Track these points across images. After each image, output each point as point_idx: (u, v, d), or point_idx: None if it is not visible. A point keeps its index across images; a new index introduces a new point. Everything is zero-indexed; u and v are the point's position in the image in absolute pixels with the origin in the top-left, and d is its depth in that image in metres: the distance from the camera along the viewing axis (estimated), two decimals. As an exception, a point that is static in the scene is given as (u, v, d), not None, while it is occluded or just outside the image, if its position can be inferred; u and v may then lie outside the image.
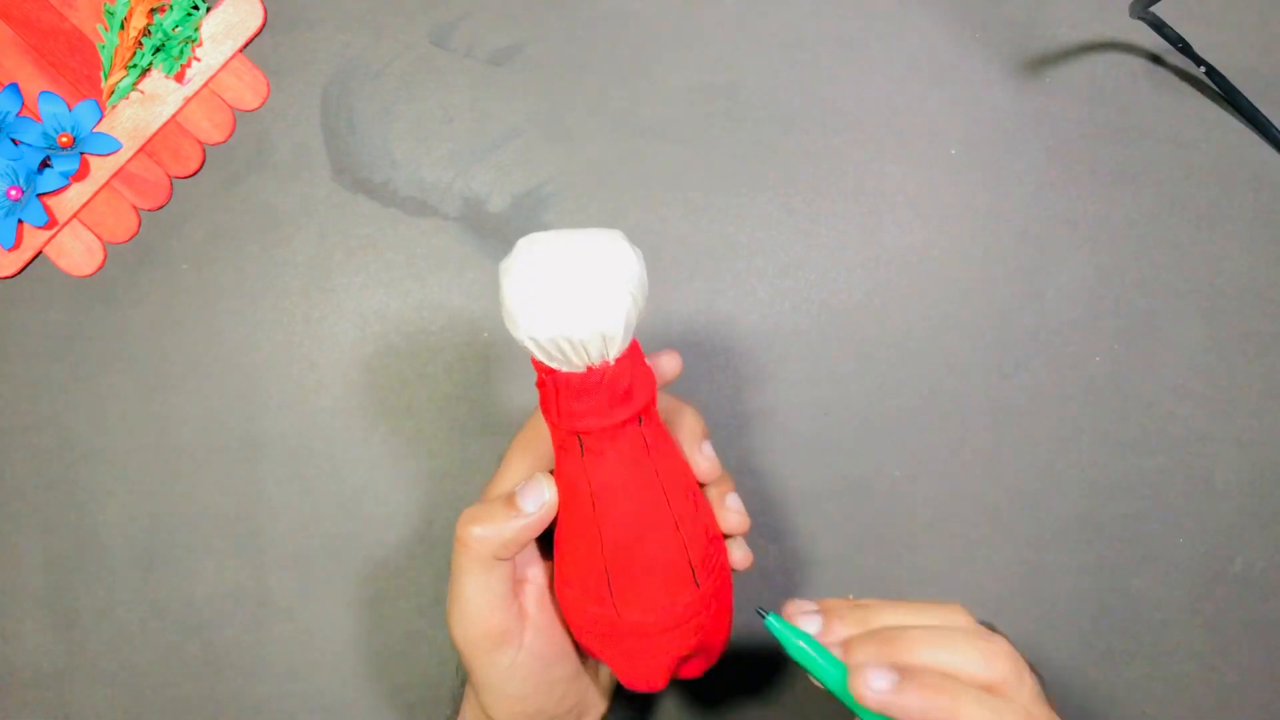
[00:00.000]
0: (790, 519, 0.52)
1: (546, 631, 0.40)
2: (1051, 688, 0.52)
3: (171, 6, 0.52)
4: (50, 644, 0.53)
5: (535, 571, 0.41)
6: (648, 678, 0.41)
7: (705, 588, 0.39)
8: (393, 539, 0.53)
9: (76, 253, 0.53)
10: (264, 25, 0.53)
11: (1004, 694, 0.35)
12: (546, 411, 0.37)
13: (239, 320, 0.53)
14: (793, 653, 0.37)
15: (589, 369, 0.35)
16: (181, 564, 0.53)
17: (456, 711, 0.44)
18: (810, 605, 0.39)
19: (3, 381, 0.53)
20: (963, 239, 0.53)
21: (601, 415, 0.36)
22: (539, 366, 0.36)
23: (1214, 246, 0.53)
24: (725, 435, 0.52)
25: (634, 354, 0.36)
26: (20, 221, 0.52)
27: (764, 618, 0.38)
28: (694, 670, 0.43)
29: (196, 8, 0.52)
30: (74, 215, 0.53)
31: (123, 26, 0.52)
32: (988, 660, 0.35)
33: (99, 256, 0.53)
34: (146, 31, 0.52)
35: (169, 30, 0.52)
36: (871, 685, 0.35)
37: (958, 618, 0.38)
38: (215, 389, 0.53)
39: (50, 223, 0.52)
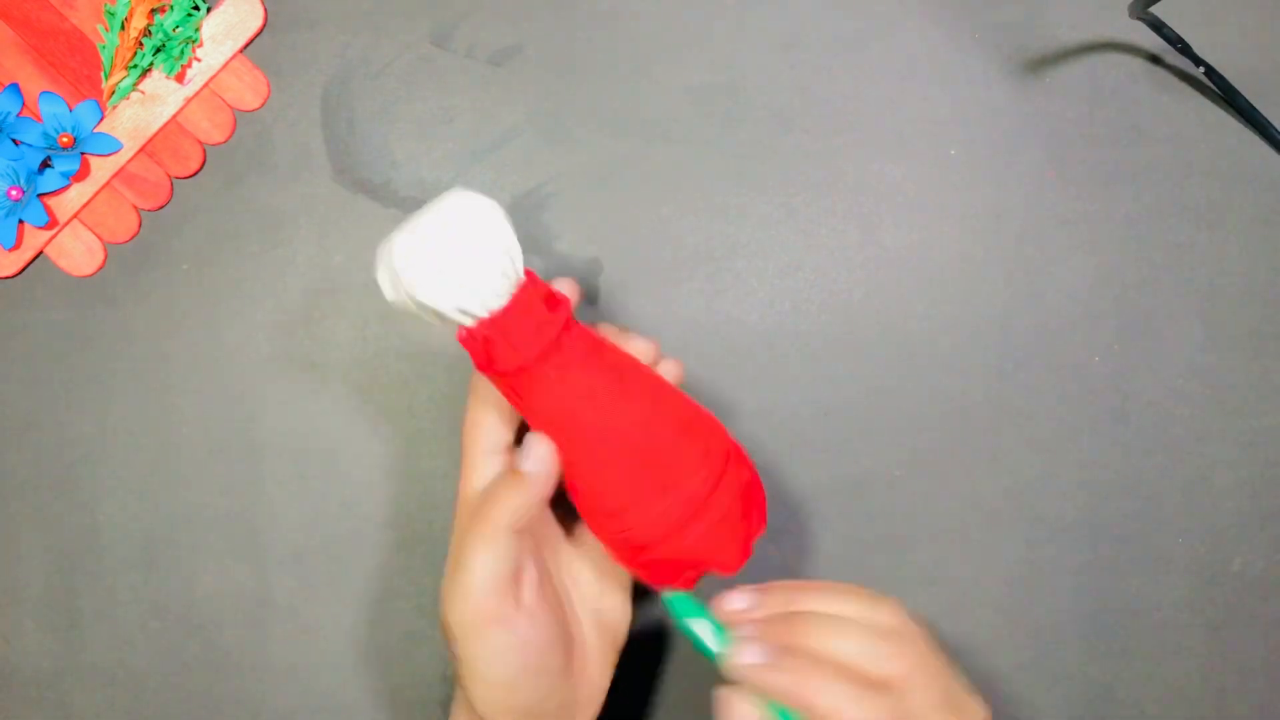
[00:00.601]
0: (790, 519, 0.52)
1: (540, 620, 0.40)
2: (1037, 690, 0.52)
3: (172, 7, 0.52)
4: (50, 644, 0.53)
5: (536, 556, 0.41)
6: (728, 555, 0.40)
7: (710, 443, 0.40)
8: (393, 539, 0.53)
9: (77, 253, 0.53)
10: (264, 25, 0.53)
11: (893, 691, 0.35)
12: (485, 368, 0.38)
13: (239, 320, 0.53)
14: (684, 630, 0.39)
15: (481, 323, 0.37)
16: (181, 564, 0.53)
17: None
18: (746, 597, 0.39)
19: (3, 381, 0.53)
20: (963, 239, 0.53)
21: (533, 338, 0.37)
22: (460, 336, 0.38)
23: (1214, 246, 0.53)
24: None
25: (524, 297, 0.38)
26: (21, 221, 0.52)
27: (664, 598, 0.39)
28: (759, 525, 0.42)
29: (197, 8, 0.52)
30: (74, 215, 0.53)
31: (123, 27, 0.52)
32: (883, 658, 0.36)
33: (99, 256, 0.53)
34: (147, 32, 0.52)
35: (169, 30, 0.52)
36: (743, 658, 0.36)
37: (881, 612, 0.38)
38: (215, 389, 0.53)
39: (51, 223, 0.52)
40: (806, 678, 0.35)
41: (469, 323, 0.37)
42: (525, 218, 0.53)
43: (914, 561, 0.52)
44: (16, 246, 0.52)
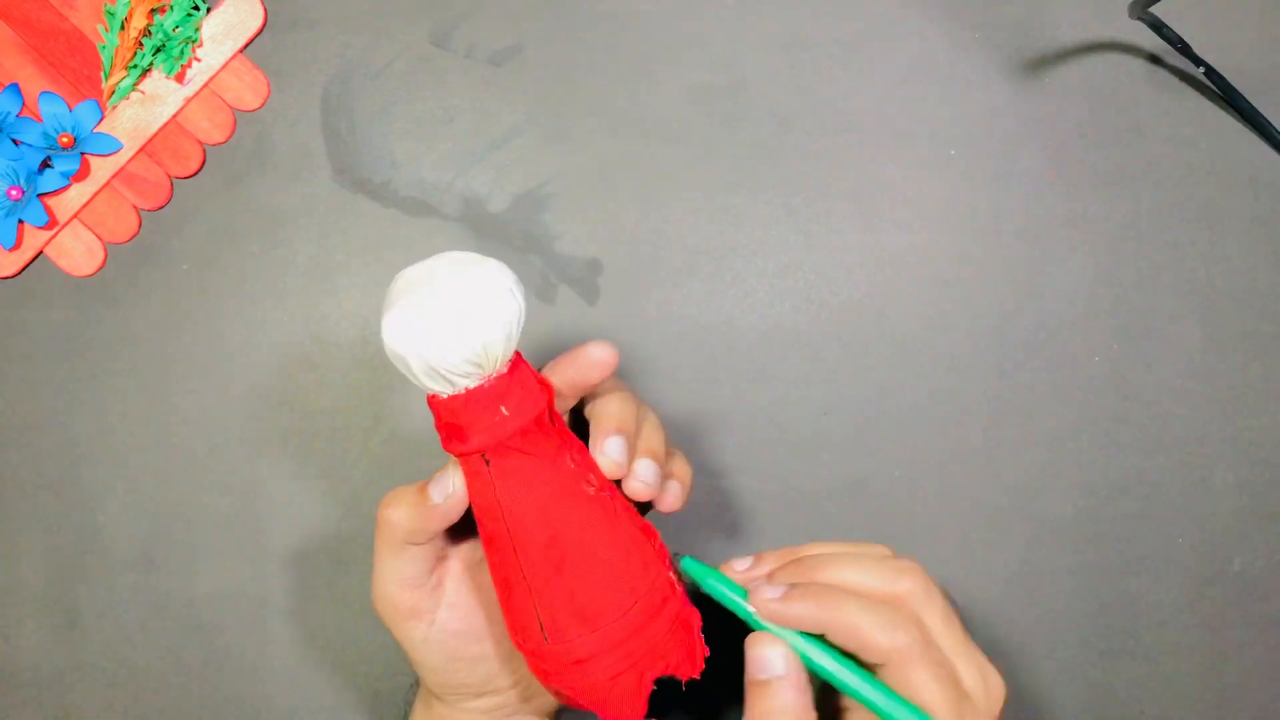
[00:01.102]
0: (790, 519, 0.52)
1: (461, 610, 0.41)
2: (1049, 681, 0.52)
3: (172, 7, 0.52)
4: (50, 644, 0.53)
5: (456, 550, 0.42)
6: (620, 710, 0.38)
7: (646, 590, 0.37)
8: (393, 539, 0.53)
9: (77, 253, 0.53)
10: (264, 25, 0.53)
11: (903, 605, 0.37)
12: (458, 438, 0.36)
13: (239, 320, 0.53)
14: (709, 590, 0.39)
15: (469, 391, 0.36)
16: (181, 564, 0.53)
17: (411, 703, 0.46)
18: (748, 558, 0.40)
19: (3, 381, 0.53)
20: (962, 239, 0.53)
21: (488, 432, 0.36)
22: (429, 399, 0.37)
23: (1213, 247, 0.53)
24: (724, 435, 0.52)
25: (513, 372, 0.36)
26: (21, 221, 0.52)
27: (683, 560, 0.39)
28: (688, 669, 0.39)
29: (197, 8, 0.52)
30: (74, 215, 0.53)
31: (123, 27, 0.52)
32: (891, 577, 0.37)
33: (99, 256, 0.53)
34: (147, 32, 0.52)
35: (169, 31, 0.52)
36: (764, 595, 0.37)
37: (875, 546, 0.40)
38: (215, 389, 0.53)
39: (51, 223, 0.52)
40: (823, 598, 0.36)
41: (453, 390, 0.36)
42: (525, 218, 0.53)
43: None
44: (16, 246, 0.52)
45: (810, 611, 0.36)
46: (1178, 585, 0.53)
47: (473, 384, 0.36)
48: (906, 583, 0.37)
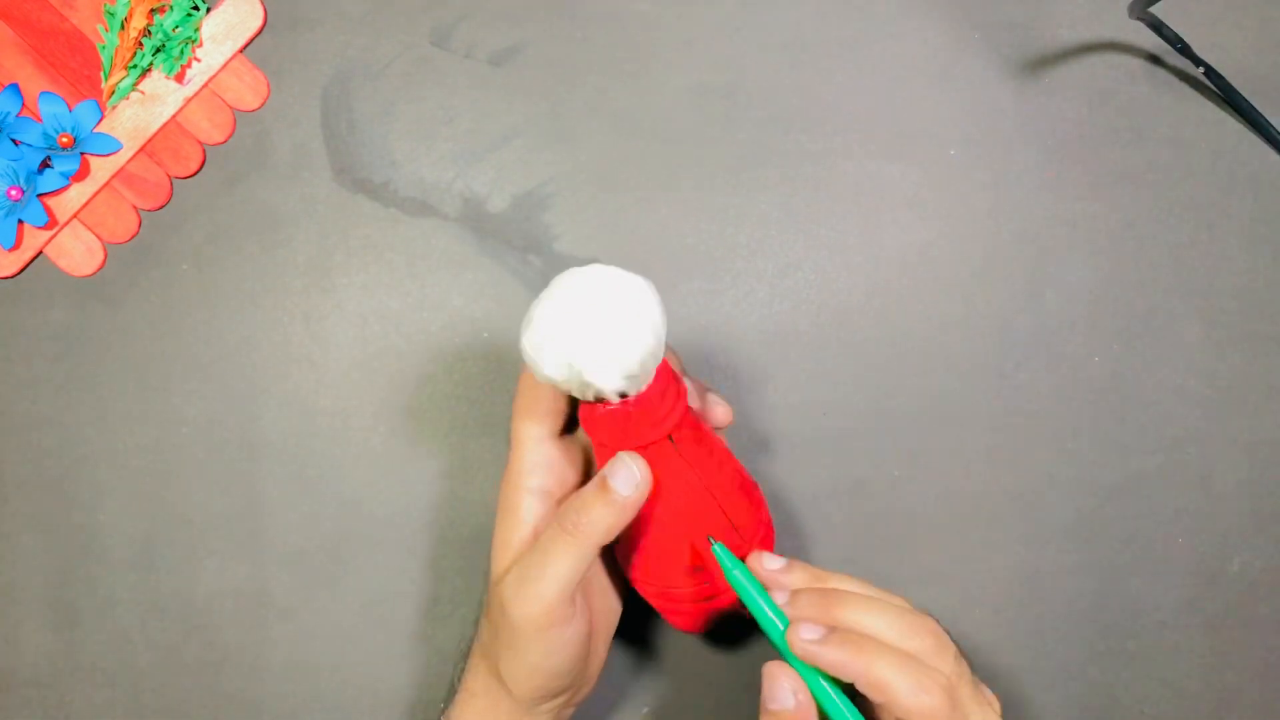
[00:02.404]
0: (790, 519, 0.52)
1: (584, 618, 0.42)
2: (1031, 684, 0.52)
3: (172, 7, 0.52)
4: (50, 644, 0.53)
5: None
6: (689, 626, 0.46)
7: (756, 527, 0.43)
8: (393, 539, 0.53)
9: (77, 253, 0.53)
10: (264, 26, 0.53)
11: (926, 664, 0.38)
12: (598, 443, 0.41)
13: (239, 320, 0.53)
14: (733, 584, 0.41)
15: (622, 402, 0.39)
16: (181, 564, 0.53)
17: (452, 694, 0.45)
18: (778, 559, 0.43)
19: (3, 381, 0.53)
20: (962, 239, 0.53)
21: (633, 438, 0.40)
22: (592, 410, 0.40)
23: (1213, 247, 0.53)
24: (725, 435, 0.52)
25: (661, 383, 0.40)
26: (20, 221, 0.52)
27: (712, 544, 0.42)
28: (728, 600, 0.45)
29: (197, 8, 0.52)
30: (74, 215, 0.53)
31: (123, 27, 0.52)
32: (911, 632, 0.39)
33: (99, 256, 0.53)
34: (147, 32, 0.52)
35: (169, 31, 0.52)
36: (802, 635, 0.39)
37: (896, 598, 0.42)
38: (215, 389, 0.53)
39: (50, 223, 0.52)
40: (860, 651, 0.38)
41: (616, 398, 0.39)
42: (525, 218, 0.53)
43: (914, 561, 0.52)
44: (16, 246, 0.52)
45: (845, 660, 0.38)
46: (1178, 585, 0.53)
47: (627, 395, 0.39)
48: (923, 641, 0.39)
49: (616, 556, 0.45)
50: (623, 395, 0.39)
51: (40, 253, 0.53)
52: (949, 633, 0.41)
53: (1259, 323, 0.53)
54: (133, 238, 0.53)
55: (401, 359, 0.53)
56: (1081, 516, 0.53)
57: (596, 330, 0.37)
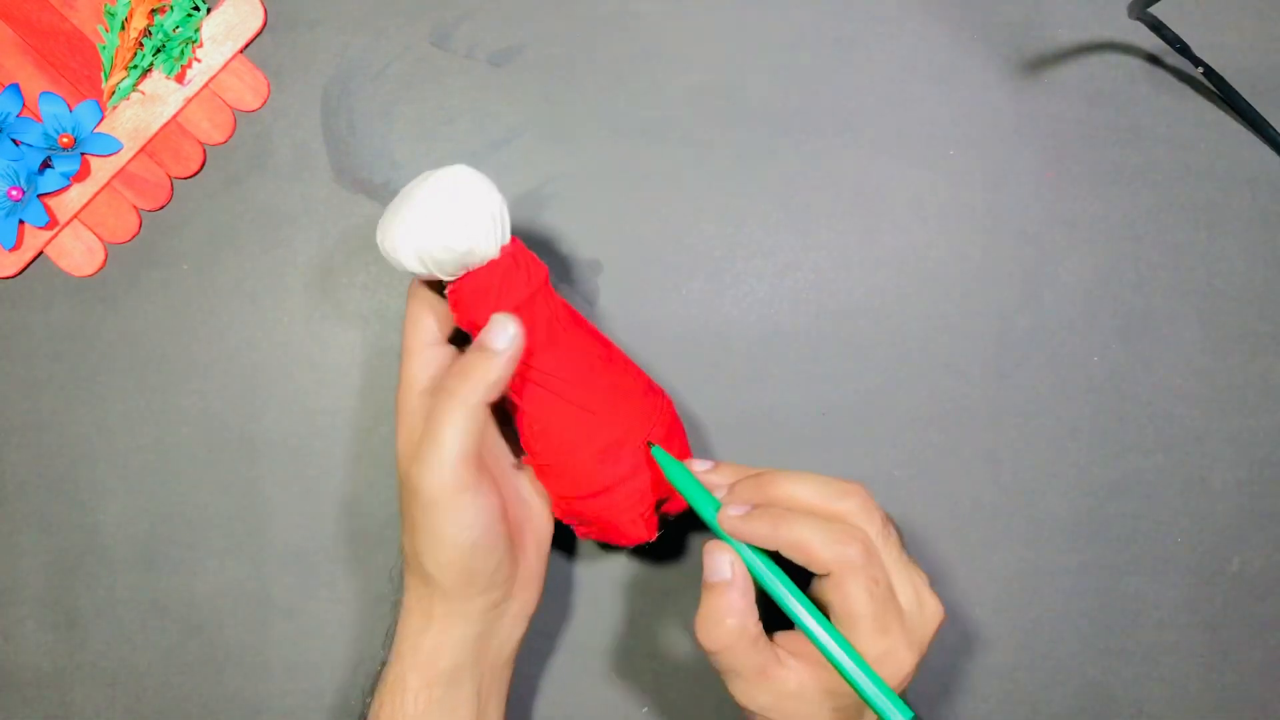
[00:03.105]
0: (790, 519, 0.52)
1: (489, 484, 0.43)
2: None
3: (172, 7, 0.52)
4: (50, 644, 0.53)
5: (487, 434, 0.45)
6: (629, 532, 0.45)
7: (655, 420, 0.45)
8: (392, 538, 0.53)
9: (77, 253, 0.53)
10: (264, 26, 0.53)
11: (847, 521, 0.41)
12: (467, 320, 0.44)
13: (239, 320, 0.53)
14: (671, 480, 0.43)
15: (476, 269, 0.43)
16: (181, 564, 0.53)
17: (394, 622, 0.46)
18: (705, 462, 0.45)
19: (3, 381, 0.53)
20: (961, 239, 0.53)
21: (505, 297, 0.43)
22: (449, 290, 0.44)
23: (1212, 247, 0.53)
24: (725, 435, 0.52)
25: (517, 247, 0.44)
26: (21, 222, 0.52)
27: (650, 447, 0.44)
28: (677, 505, 0.46)
29: (197, 9, 0.52)
30: (75, 215, 0.53)
31: (123, 27, 0.52)
32: (836, 495, 0.41)
33: (100, 257, 0.53)
34: (147, 32, 0.52)
35: (169, 31, 0.52)
36: (729, 513, 0.41)
37: (826, 475, 0.43)
38: (215, 389, 0.53)
39: (51, 223, 0.52)
40: (779, 520, 0.40)
41: (450, 278, 0.43)
42: (525, 218, 0.53)
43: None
44: (17, 247, 0.52)
45: (766, 529, 0.40)
46: (1177, 585, 0.53)
47: (481, 263, 0.43)
48: (850, 502, 0.41)
49: (535, 469, 0.46)
50: (476, 257, 0.43)
51: (41, 253, 0.53)
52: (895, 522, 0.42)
53: (1258, 322, 0.53)
54: (133, 238, 0.53)
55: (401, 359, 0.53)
56: (1081, 516, 0.53)
57: (437, 196, 0.42)
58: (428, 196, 0.42)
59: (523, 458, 0.47)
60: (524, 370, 0.44)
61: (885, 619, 0.39)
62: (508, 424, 0.48)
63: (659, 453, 0.44)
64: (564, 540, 0.49)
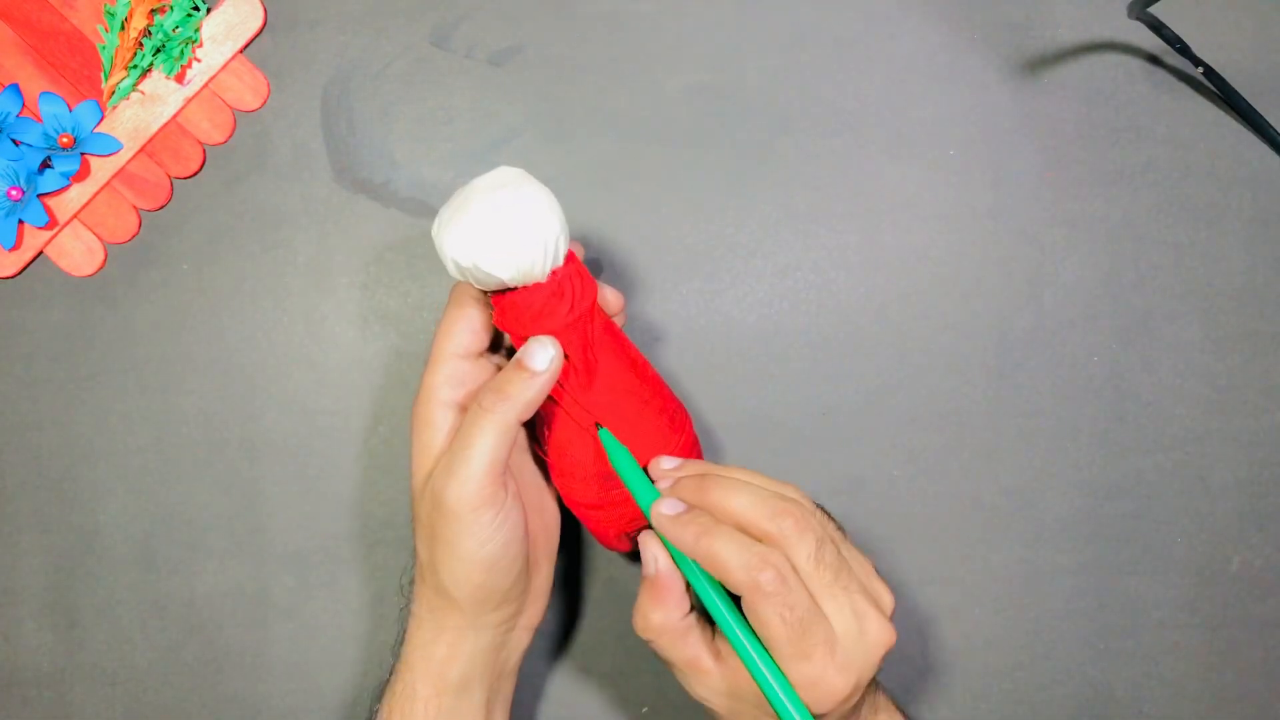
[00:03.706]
0: (790, 519, 0.52)
1: (515, 501, 0.43)
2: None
3: (172, 7, 0.52)
4: (50, 644, 0.53)
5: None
6: (617, 545, 0.46)
7: (684, 439, 0.45)
8: (392, 538, 0.53)
9: (77, 253, 0.53)
10: (264, 26, 0.53)
11: (777, 544, 0.40)
12: (508, 328, 0.43)
13: (239, 320, 0.53)
14: (613, 463, 0.43)
15: (535, 284, 0.42)
16: (181, 564, 0.53)
17: (400, 640, 0.46)
18: (674, 459, 0.44)
19: (3, 381, 0.53)
20: (961, 239, 0.53)
21: (542, 323, 0.42)
22: (495, 300, 0.43)
23: (1212, 247, 0.53)
24: (725, 435, 0.52)
25: (568, 272, 0.43)
26: (21, 222, 0.52)
27: (598, 429, 0.43)
28: None
29: (197, 9, 0.52)
30: (75, 215, 0.53)
31: (123, 27, 0.52)
32: (771, 514, 0.40)
33: (99, 256, 0.53)
34: (147, 32, 0.52)
35: (169, 31, 0.52)
36: (660, 510, 0.41)
37: (779, 484, 0.43)
38: (215, 389, 0.53)
39: (51, 223, 0.52)
40: (703, 531, 0.40)
41: (498, 290, 0.43)
42: (525, 218, 0.53)
43: (914, 561, 0.52)
44: (16, 246, 0.52)
45: (690, 537, 0.40)
46: (1177, 585, 0.53)
47: (531, 282, 0.42)
48: (783, 522, 0.40)
49: (549, 467, 0.46)
50: (522, 281, 0.42)
51: (40, 253, 0.53)
52: (838, 523, 0.42)
53: (1258, 322, 0.53)
54: (133, 238, 0.53)
55: (401, 359, 0.53)
56: (1081, 516, 0.53)
57: (491, 215, 0.41)
58: (482, 214, 0.41)
59: (538, 448, 0.47)
60: (555, 390, 0.43)
61: (804, 645, 0.38)
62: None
63: (605, 436, 0.43)
64: (565, 541, 0.49)
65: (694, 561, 0.41)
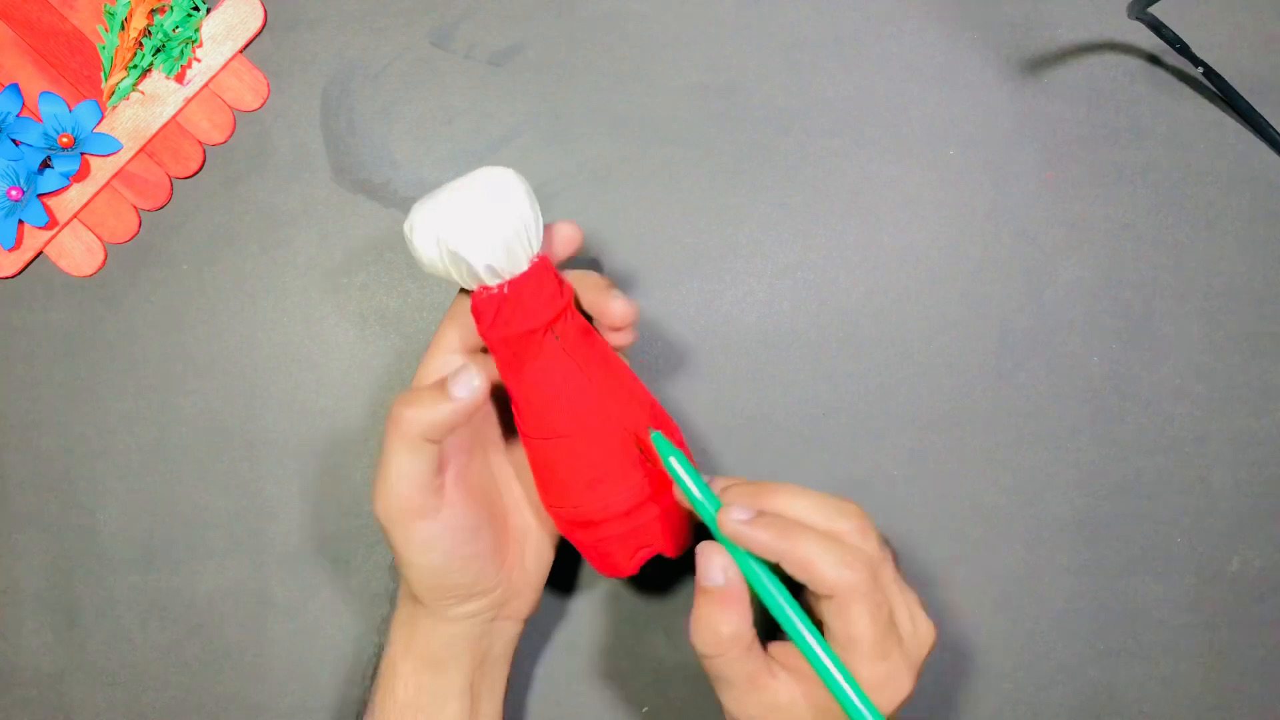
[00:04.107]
0: (790, 519, 0.52)
1: (459, 508, 0.43)
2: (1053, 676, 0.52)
3: (172, 7, 0.52)
4: (50, 644, 0.53)
5: (460, 452, 0.44)
6: (615, 565, 0.45)
7: (656, 467, 0.43)
8: (393, 539, 0.53)
9: (77, 253, 0.53)
10: (264, 26, 0.53)
11: (848, 543, 0.39)
12: (495, 328, 0.41)
13: (239, 320, 0.53)
14: (669, 469, 0.42)
15: (498, 286, 0.41)
16: (181, 564, 0.53)
17: (391, 610, 0.47)
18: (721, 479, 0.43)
19: (3, 381, 0.53)
20: (961, 239, 0.53)
21: (544, 306, 0.41)
22: (478, 296, 0.41)
23: (1212, 247, 0.53)
24: (725, 435, 0.52)
25: (539, 270, 0.41)
26: (21, 222, 0.52)
27: (651, 433, 0.42)
28: (668, 551, 0.45)
29: (197, 9, 0.52)
30: (74, 215, 0.53)
31: (123, 27, 0.52)
32: (837, 514, 0.40)
33: (99, 256, 0.53)
34: (147, 32, 0.52)
35: (169, 31, 0.52)
36: (732, 516, 0.40)
37: (825, 493, 0.42)
38: (215, 389, 0.53)
39: (51, 223, 0.52)
40: (785, 532, 0.39)
41: (492, 282, 0.41)
42: (525, 218, 0.53)
43: (914, 561, 0.52)
44: (16, 247, 0.52)
45: (770, 539, 0.39)
46: (1177, 585, 0.53)
47: (524, 269, 0.41)
48: (848, 523, 0.40)
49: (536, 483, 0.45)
50: (496, 279, 0.41)
51: (40, 253, 0.53)
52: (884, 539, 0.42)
53: (1258, 323, 0.53)
54: (133, 238, 0.53)
55: (401, 359, 0.53)
56: (1081, 516, 0.53)
57: (463, 209, 0.40)
58: (453, 198, 0.40)
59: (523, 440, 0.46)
60: (523, 402, 0.42)
61: (886, 644, 0.39)
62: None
63: (659, 440, 0.42)
64: (566, 540, 0.49)
65: (759, 569, 0.40)
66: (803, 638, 0.39)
